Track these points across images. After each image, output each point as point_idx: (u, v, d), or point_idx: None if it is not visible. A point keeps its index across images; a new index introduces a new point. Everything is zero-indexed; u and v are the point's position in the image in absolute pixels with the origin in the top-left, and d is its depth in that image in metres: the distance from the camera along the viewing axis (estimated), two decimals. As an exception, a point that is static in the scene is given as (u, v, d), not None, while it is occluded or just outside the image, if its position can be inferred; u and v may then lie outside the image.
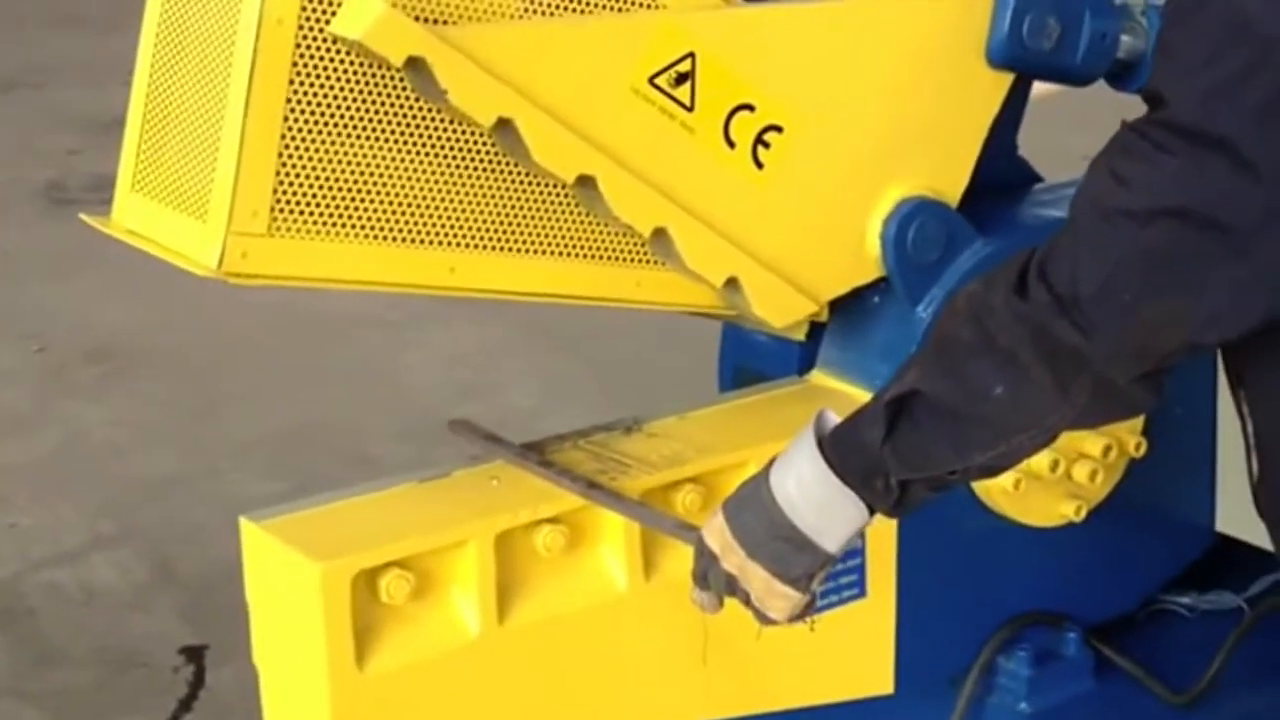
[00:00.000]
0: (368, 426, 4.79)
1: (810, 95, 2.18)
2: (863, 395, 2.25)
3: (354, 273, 1.98)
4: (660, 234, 2.13)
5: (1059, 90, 2.48)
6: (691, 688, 2.15)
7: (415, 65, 1.90)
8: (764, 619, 1.88)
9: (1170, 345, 1.70)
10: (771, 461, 1.88)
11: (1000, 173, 2.43)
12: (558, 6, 2.03)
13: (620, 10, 2.07)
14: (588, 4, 2.05)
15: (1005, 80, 2.30)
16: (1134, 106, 1.74)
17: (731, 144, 2.15)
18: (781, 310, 2.26)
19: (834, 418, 1.87)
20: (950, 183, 2.30)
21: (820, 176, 2.22)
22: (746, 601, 1.88)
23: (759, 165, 2.17)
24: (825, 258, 2.27)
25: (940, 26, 2.24)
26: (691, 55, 2.09)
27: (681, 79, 2.09)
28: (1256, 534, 2.42)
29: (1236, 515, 2.47)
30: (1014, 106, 2.41)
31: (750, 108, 2.14)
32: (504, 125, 1.98)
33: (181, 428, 4.87)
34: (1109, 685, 2.47)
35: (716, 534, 1.87)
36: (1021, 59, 2.27)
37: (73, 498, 4.45)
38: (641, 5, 2.08)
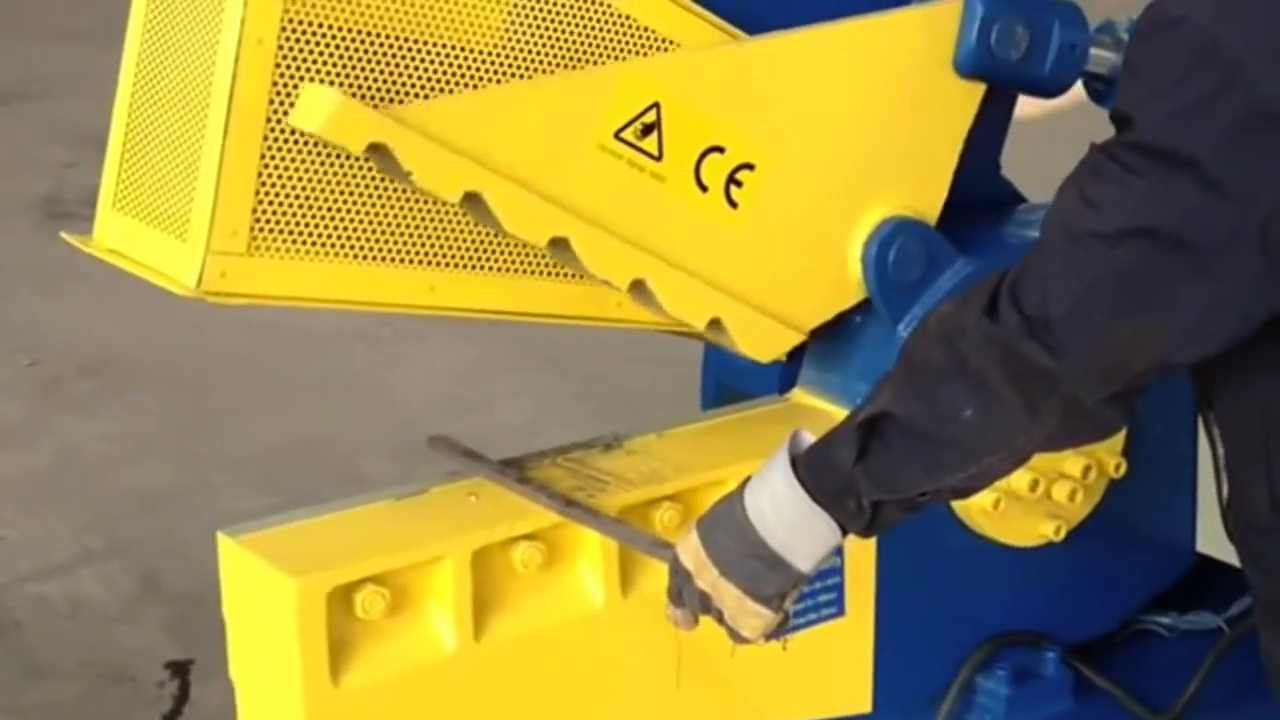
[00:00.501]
0: (358, 442, 4.79)
1: (780, 129, 2.18)
2: (843, 414, 2.25)
3: (334, 292, 1.99)
4: (638, 285, 2.13)
5: (1047, 113, 2.48)
6: (669, 705, 2.16)
7: (377, 149, 1.90)
8: (737, 637, 1.89)
9: (1140, 366, 1.71)
10: (746, 481, 1.89)
11: (983, 193, 2.44)
12: (517, 69, 2.02)
13: (581, 66, 2.06)
14: (549, 62, 2.04)
15: (976, 90, 2.30)
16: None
17: (704, 187, 2.14)
18: (767, 345, 2.26)
19: (809, 437, 1.88)
20: (929, 200, 2.30)
21: (796, 208, 2.22)
22: (720, 619, 1.88)
23: (733, 205, 2.16)
24: (807, 288, 2.27)
25: (906, 43, 2.24)
26: (656, 105, 2.08)
27: (648, 130, 2.08)
28: (1235, 554, 2.42)
29: (1217, 535, 2.47)
30: (995, 126, 2.42)
31: (720, 149, 2.14)
32: (472, 198, 1.98)
33: (173, 442, 4.87)
34: (1088, 705, 2.48)
35: (690, 552, 1.87)
36: (990, 68, 2.26)
37: (62, 511, 4.45)
38: (605, 59, 2.08)
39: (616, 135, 2.07)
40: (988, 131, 2.41)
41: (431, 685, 1.99)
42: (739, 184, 2.16)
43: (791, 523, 1.83)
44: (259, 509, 2.03)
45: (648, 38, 2.11)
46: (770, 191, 2.18)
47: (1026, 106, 2.46)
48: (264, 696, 1.99)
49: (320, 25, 1.90)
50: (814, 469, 1.83)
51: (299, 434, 4.88)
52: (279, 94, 1.89)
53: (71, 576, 4.13)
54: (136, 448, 4.84)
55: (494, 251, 2.08)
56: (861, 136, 2.23)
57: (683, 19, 2.13)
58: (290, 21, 1.88)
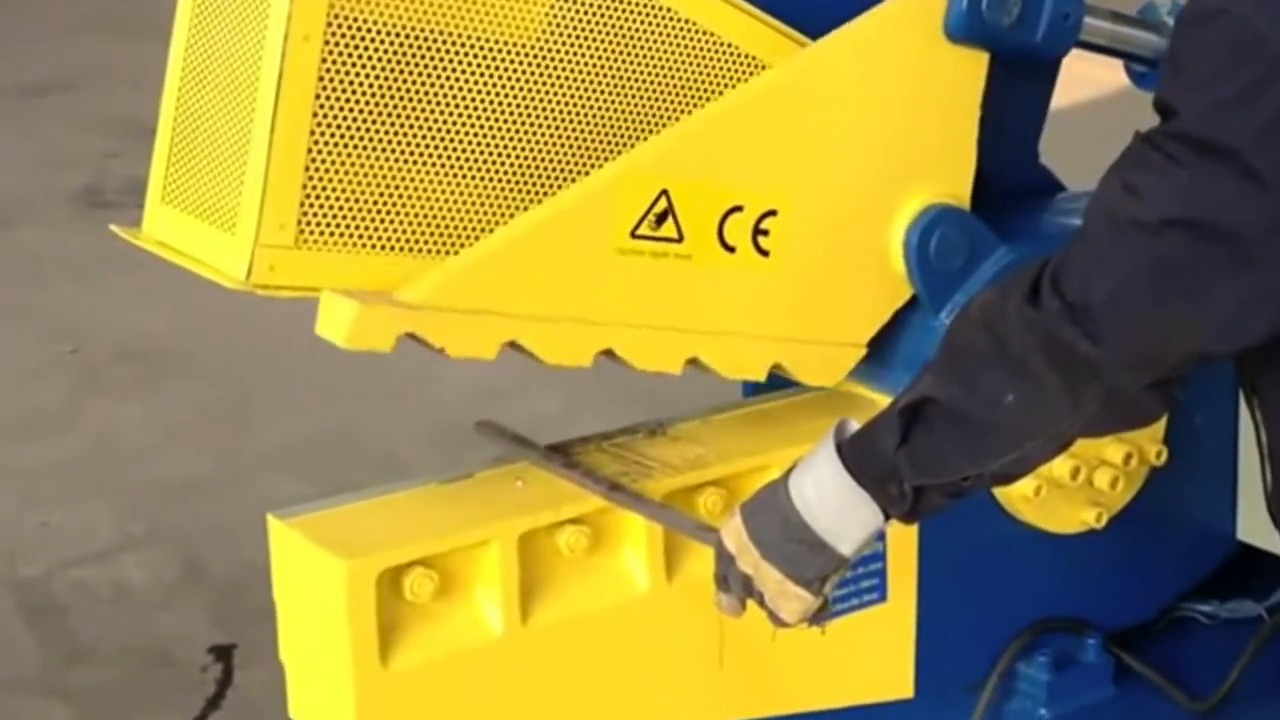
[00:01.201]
0: (396, 431, 4.81)
1: (792, 167, 2.16)
2: (885, 401, 2.26)
3: (380, 283, 2.00)
4: (692, 362, 2.13)
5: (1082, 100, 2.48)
6: (712, 688, 2.17)
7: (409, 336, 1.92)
8: (778, 621, 1.90)
9: (1179, 355, 1.72)
10: (792, 467, 1.91)
11: (1022, 180, 2.43)
12: (561, 64, 2.02)
13: (624, 60, 2.06)
14: (593, 56, 2.04)
15: (979, 60, 2.26)
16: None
17: (731, 249, 2.12)
18: (830, 372, 2.26)
19: (855, 425, 1.89)
20: (958, 181, 2.28)
21: (828, 234, 2.21)
22: (761, 602, 1.90)
23: (764, 254, 2.15)
24: (856, 304, 2.26)
25: (898, 34, 2.20)
26: (664, 192, 2.06)
27: (662, 218, 2.07)
28: (1278, 542, 2.43)
29: (1258, 523, 2.48)
30: (1031, 113, 2.41)
31: (739, 208, 2.12)
32: (508, 344, 1.99)
33: (213, 430, 4.90)
34: (1128, 692, 2.48)
35: (733, 534, 1.89)
36: (981, 34, 2.23)
37: (104, 498, 4.48)
38: (647, 53, 2.07)
39: (633, 234, 2.05)
40: (1023, 117, 2.40)
41: (479, 667, 2.01)
42: (765, 232, 2.14)
43: (835, 507, 1.84)
44: (298, 496, 2.05)
45: (690, 30, 2.11)
46: (798, 229, 2.17)
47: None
48: (314, 678, 2.01)
49: (365, 21, 1.92)
50: (858, 453, 1.84)
51: (337, 422, 4.90)
52: (325, 89, 1.91)
53: (113, 562, 4.16)
54: (176, 435, 4.87)
55: None
56: (875, 140, 2.21)
57: (726, 12, 2.13)
58: (336, 17, 1.90)
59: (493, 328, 1.97)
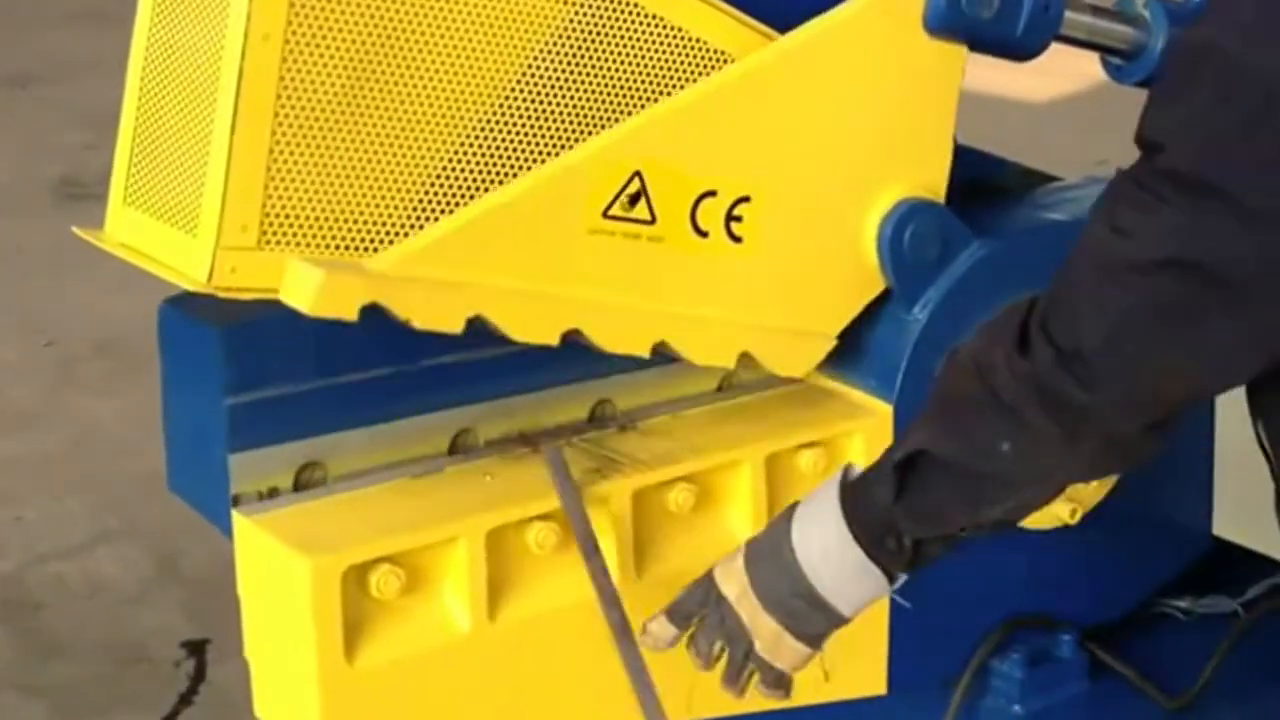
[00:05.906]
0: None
1: (768, 156, 2.14)
2: (856, 395, 2.25)
3: None
4: (660, 346, 2.11)
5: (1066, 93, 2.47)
6: (682, 686, 2.15)
7: (372, 307, 1.89)
8: (769, 670, 1.90)
9: (1175, 395, 1.70)
10: (793, 508, 1.90)
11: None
12: (526, 56, 2.00)
13: (598, 55, 2.04)
14: (559, 53, 2.02)
15: (957, 53, 2.24)
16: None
17: (704, 234, 2.11)
18: (800, 362, 2.25)
19: (859, 469, 1.88)
20: (934, 175, 2.26)
21: (802, 223, 2.19)
22: (747, 654, 1.89)
23: (737, 240, 2.13)
24: (827, 294, 2.24)
25: (871, 30, 2.18)
26: (637, 174, 2.05)
27: (635, 199, 2.05)
28: (1253, 538, 2.42)
29: (1233, 519, 2.47)
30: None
31: (712, 193, 2.10)
32: (474, 319, 1.97)
33: (189, 423, 4.88)
34: (1103, 688, 2.47)
35: (734, 578, 1.88)
36: (961, 26, 2.21)
37: (79, 492, 4.47)
38: (623, 53, 2.06)
39: (605, 214, 2.04)
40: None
41: (446, 665, 1.99)
42: (738, 219, 2.13)
43: (840, 571, 1.85)
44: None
45: (659, 26, 2.09)
46: (772, 217, 2.15)
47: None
48: (279, 676, 2.00)
49: (326, 18, 1.90)
50: (855, 508, 1.84)
51: (315, 415, 4.88)
52: (286, 88, 1.89)
53: (89, 557, 4.15)
54: (153, 429, 4.82)
55: None
56: (851, 132, 2.20)
57: (695, 8, 2.11)
58: (296, 15, 1.88)
59: (460, 300, 1.94)
